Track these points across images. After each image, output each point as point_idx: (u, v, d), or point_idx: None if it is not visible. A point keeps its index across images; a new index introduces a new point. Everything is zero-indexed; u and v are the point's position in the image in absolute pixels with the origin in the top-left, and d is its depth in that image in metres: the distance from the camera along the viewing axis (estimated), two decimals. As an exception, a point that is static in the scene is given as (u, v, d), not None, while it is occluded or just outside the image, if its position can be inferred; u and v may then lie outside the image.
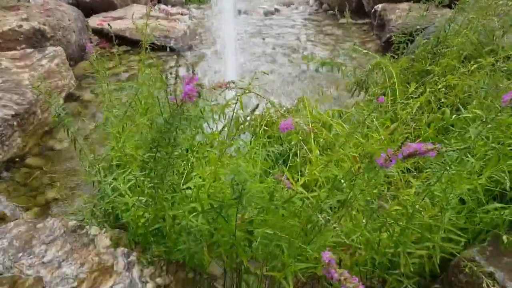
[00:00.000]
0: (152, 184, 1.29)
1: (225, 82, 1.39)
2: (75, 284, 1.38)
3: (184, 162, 1.61)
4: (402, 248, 1.36)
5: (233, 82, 1.63)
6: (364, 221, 1.29)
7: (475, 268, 1.33)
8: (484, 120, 1.47)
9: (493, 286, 1.29)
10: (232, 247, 1.34)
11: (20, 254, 1.48)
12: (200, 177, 1.47)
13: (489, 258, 1.36)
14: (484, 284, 1.31)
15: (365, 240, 1.39)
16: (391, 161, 0.99)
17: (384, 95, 2.29)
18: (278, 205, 1.23)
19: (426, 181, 1.54)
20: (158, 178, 1.27)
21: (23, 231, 1.57)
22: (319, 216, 1.09)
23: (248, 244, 1.38)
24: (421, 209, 1.43)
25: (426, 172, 1.60)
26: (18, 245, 1.52)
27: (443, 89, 2.25)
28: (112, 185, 1.53)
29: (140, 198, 1.45)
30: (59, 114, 1.65)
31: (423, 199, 1.41)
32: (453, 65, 2.31)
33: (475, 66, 2.12)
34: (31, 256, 1.47)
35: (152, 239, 1.50)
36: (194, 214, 1.34)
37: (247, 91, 2.02)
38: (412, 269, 1.38)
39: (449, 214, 1.39)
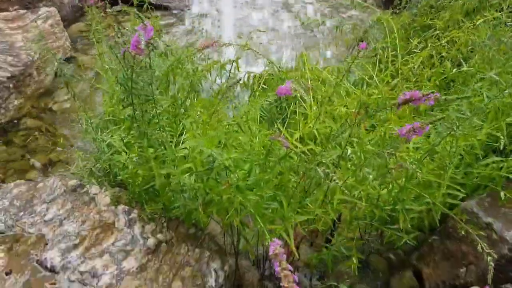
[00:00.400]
0: (138, 143, 1.29)
1: (213, 42, 1.35)
2: (77, 241, 1.39)
3: (175, 123, 1.60)
4: (400, 205, 1.37)
5: (223, 42, 1.60)
6: (371, 176, 1.28)
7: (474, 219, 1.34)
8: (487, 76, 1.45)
9: (491, 236, 1.31)
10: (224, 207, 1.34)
11: (22, 213, 1.49)
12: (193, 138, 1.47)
13: (487, 210, 1.37)
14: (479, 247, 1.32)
15: (365, 195, 1.40)
16: (415, 132, 0.98)
17: (384, 51, 2.26)
18: (275, 162, 1.23)
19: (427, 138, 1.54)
20: (141, 137, 1.26)
21: (23, 191, 1.58)
22: (318, 169, 1.08)
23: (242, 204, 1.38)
24: (421, 166, 1.43)
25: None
26: (19, 204, 1.53)
27: (446, 44, 2.22)
28: (107, 142, 1.52)
29: (131, 156, 1.45)
30: (62, 71, 1.63)
31: (425, 157, 1.40)
32: (457, 19, 2.25)
33: (481, 20, 2.07)
34: (32, 215, 1.49)
35: (146, 197, 1.50)
36: (188, 173, 1.34)
37: (245, 49, 1.99)
38: (411, 224, 1.39)
39: (451, 171, 1.39)
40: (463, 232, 1.24)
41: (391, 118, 1.73)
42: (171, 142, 1.37)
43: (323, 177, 1.13)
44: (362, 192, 1.37)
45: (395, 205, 1.38)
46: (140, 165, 1.38)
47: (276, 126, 1.83)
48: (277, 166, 1.27)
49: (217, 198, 1.29)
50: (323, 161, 1.21)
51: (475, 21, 2.13)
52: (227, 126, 1.45)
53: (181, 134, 1.53)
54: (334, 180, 1.07)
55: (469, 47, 2.03)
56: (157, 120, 1.25)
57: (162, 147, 1.32)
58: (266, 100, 1.53)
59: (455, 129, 1.28)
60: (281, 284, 0.75)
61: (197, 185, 1.30)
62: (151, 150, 1.31)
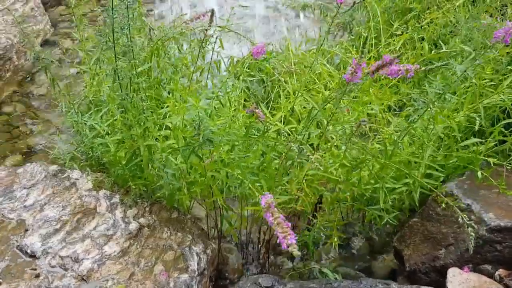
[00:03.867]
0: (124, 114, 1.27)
1: (200, 14, 1.33)
2: (58, 226, 1.38)
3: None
4: (381, 183, 1.38)
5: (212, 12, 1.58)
6: (343, 148, 1.29)
7: (452, 202, 1.36)
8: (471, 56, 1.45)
9: (470, 217, 1.33)
10: (207, 186, 1.34)
11: (1, 198, 1.47)
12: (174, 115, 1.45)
13: (467, 191, 1.39)
14: (460, 218, 1.34)
15: (345, 172, 1.40)
16: (356, 72, 0.98)
17: (367, 34, 2.25)
18: (254, 140, 1.22)
19: (406, 119, 1.55)
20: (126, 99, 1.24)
21: (3, 176, 1.56)
22: (292, 145, 1.08)
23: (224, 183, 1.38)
24: (401, 145, 1.44)
25: (407, 110, 1.60)
26: (-2, 190, 1.51)
27: (426, 25, 2.22)
28: (89, 125, 1.50)
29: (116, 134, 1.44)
30: (38, 57, 1.60)
31: (403, 136, 1.41)
32: (435, 1, 2.26)
33: (460, 1, 2.08)
34: (12, 201, 1.47)
35: (129, 176, 1.48)
36: (170, 150, 1.33)
37: (227, 31, 1.97)
38: (391, 204, 1.41)
39: (430, 151, 1.41)
40: (443, 205, 1.26)
41: (371, 100, 1.74)
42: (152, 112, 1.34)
43: (297, 153, 1.14)
44: (340, 170, 1.38)
45: (376, 183, 1.39)
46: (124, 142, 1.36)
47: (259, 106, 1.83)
48: (259, 144, 1.26)
49: (200, 178, 1.29)
50: (301, 140, 1.21)
51: (454, 2, 2.14)
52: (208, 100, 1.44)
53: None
54: (307, 156, 1.07)
55: (449, 29, 2.04)
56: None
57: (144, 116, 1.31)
58: (250, 80, 1.52)
59: (431, 106, 1.29)
60: (276, 233, 0.76)
61: (180, 164, 1.29)
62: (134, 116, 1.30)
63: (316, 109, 1.16)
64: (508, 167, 1.38)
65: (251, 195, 1.25)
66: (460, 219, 1.16)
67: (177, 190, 1.34)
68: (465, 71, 1.42)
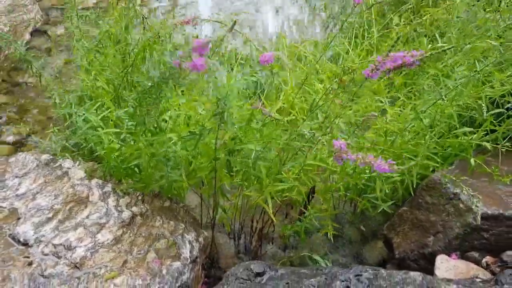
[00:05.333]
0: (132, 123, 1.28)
1: (191, 18, 1.34)
2: (50, 214, 1.39)
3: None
4: (377, 172, 1.40)
5: (199, 18, 1.58)
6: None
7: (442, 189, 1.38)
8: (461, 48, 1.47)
9: (458, 205, 1.35)
10: (211, 172, 1.35)
11: (-7, 187, 1.47)
12: (175, 109, 1.46)
13: (455, 181, 1.41)
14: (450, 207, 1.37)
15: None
16: (377, 70, 0.99)
17: (360, 27, 2.26)
18: (256, 128, 1.24)
19: (400, 110, 1.57)
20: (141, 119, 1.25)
21: (-6, 165, 1.56)
22: (305, 131, 1.10)
23: (227, 169, 1.40)
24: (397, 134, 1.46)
25: (400, 100, 1.62)
26: (-10, 179, 1.51)
27: (422, 19, 2.23)
28: (83, 118, 1.50)
29: (117, 131, 1.44)
30: (22, 52, 1.60)
31: (409, 125, 1.43)
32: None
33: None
34: (4, 189, 1.47)
35: (125, 172, 1.49)
36: (171, 142, 1.34)
37: (222, 26, 1.97)
38: (384, 195, 1.43)
39: (428, 139, 1.43)
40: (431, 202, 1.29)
41: (366, 93, 1.75)
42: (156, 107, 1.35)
43: (309, 137, 1.14)
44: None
45: (370, 172, 1.41)
46: (125, 142, 1.36)
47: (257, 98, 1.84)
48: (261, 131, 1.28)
49: (205, 163, 1.30)
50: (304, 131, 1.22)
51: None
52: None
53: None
54: (315, 145, 1.09)
55: (444, 24, 2.06)
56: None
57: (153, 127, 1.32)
58: (247, 74, 1.52)
59: (443, 97, 1.32)
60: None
61: (182, 152, 1.30)
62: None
63: (318, 100, 1.18)
64: (502, 149, 1.41)
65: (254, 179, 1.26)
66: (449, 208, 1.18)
67: (175, 181, 1.35)
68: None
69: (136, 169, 1.49)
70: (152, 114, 1.24)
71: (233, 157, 1.34)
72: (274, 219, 1.35)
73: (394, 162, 0.96)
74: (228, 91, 1.08)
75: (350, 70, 1.51)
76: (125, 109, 1.42)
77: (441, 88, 1.47)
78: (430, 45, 2.01)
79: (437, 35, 2.05)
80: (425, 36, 2.14)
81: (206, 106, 1.33)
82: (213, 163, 1.29)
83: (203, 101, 1.35)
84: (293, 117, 1.62)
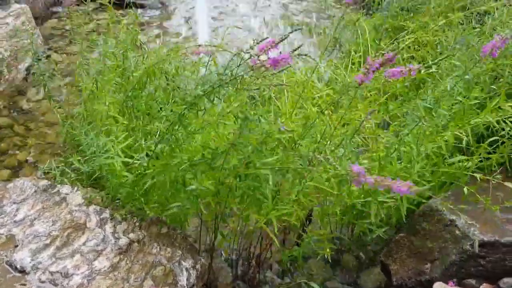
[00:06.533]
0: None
1: (198, 48, 1.37)
2: (48, 241, 1.39)
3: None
4: (372, 196, 1.41)
5: (205, 45, 1.61)
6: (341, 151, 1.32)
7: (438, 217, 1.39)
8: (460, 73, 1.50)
9: (455, 232, 1.36)
10: (216, 195, 1.35)
11: (-9, 213, 1.47)
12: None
13: (451, 208, 1.42)
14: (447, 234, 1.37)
15: (337, 182, 1.43)
16: (369, 73, 1.01)
17: (356, 52, 2.30)
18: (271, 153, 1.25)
19: (395, 134, 1.59)
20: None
21: (-7, 191, 1.56)
22: (317, 156, 1.11)
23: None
24: (391, 161, 1.47)
25: (394, 125, 1.64)
26: (-12, 205, 1.51)
27: (417, 46, 2.27)
28: (104, 147, 1.51)
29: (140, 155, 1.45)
30: (33, 72, 1.62)
31: (393, 152, 1.45)
32: (426, 22, 2.31)
33: (443, 21, 2.14)
34: (2, 215, 1.47)
35: (137, 200, 1.49)
36: (182, 167, 1.35)
37: (220, 49, 2.00)
38: (380, 220, 1.44)
39: (418, 166, 1.44)
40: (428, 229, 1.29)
41: (360, 109, 1.77)
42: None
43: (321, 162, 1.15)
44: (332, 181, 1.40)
45: (367, 197, 1.42)
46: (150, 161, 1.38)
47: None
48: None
49: (213, 187, 1.31)
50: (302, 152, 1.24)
51: (440, 22, 2.20)
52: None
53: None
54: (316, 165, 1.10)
55: (438, 50, 2.10)
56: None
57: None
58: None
59: (423, 122, 1.33)
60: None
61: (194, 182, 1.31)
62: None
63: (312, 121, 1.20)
64: (493, 181, 1.42)
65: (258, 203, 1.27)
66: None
67: (186, 209, 1.36)
68: (455, 85, 1.47)
69: (149, 193, 1.49)
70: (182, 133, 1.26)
71: (241, 182, 1.34)
72: (277, 242, 1.35)
73: (413, 184, 0.97)
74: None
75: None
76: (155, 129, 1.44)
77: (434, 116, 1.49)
78: (423, 71, 2.05)
79: (429, 61, 2.09)
80: (421, 61, 2.19)
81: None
82: (221, 187, 1.30)
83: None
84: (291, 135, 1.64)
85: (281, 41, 1.08)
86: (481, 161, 1.52)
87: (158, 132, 1.37)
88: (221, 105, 1.52)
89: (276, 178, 1.25)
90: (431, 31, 2.22)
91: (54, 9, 3.46)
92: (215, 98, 1.20)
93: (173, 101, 1.67)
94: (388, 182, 0.94)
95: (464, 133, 1.49)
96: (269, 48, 1.06)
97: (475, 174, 1.43)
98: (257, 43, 1.12)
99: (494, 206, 1.35)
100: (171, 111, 1.28)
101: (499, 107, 1.54)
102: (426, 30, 2.26)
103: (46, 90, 1.67)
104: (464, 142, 1.43)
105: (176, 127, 1.29)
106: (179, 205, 1.35)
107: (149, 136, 1.48)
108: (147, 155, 1.39)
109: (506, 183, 1.41)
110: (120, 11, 2.25)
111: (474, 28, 2.17)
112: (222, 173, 1.27)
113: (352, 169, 0.97)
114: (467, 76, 1.51)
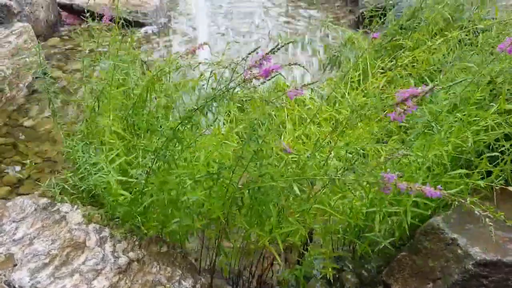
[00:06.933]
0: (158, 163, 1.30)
1: (197, 46, 1.39)
2: (47, 260, 1.38)
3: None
4: (377, 206, 1.40)
5: (206, 44, 1.63)
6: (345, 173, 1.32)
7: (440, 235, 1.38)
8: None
9: (457, 251, 1.35)
10: (222, 213, 1.35)
11: (-10, 232, 1.46)
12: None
13: (453, 226, 1.41)
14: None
15: (341, 205, 1.43)
16: (405, 113, 1.03)
17: (355, 70, 2.32)
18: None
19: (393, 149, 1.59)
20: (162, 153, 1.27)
21: (-8, 210, 1.55)
22: (325, 176, 1.12)
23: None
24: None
25: (393, 140, 1.65)
26: (-13, 223, 1.50)
27: (414, 63, 2.29)
28: (98, 165, 1.51)
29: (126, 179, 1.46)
30: (35, 89, 1.63)
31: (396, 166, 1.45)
32: (423, 40, 2.34)
33: (440, 40, 2.17)
34: (1, 234, 1.46)
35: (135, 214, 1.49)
36: (187, 184, 1.35)
37: (220, 67, 2.02)
38: (386, 230, 1.44)
39: (421, 180, 1.44)
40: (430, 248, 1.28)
41: (362, 135, 1.78)
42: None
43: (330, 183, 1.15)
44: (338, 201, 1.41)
45: (371, 207, 1.42)
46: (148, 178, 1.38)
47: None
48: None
49: (219, 204, 1.31)
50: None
51: (435, 40, 2.23)
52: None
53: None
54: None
55: (434, 66, 2.12)
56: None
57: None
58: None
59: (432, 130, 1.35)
60: None
61: (196, 194, 1.31)
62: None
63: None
64: (497, 187, 1.42)
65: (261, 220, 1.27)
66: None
67: (188, 227, 1.35)
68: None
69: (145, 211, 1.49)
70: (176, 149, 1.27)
71: (247, 196, 1.33)
72: (279, 261, 1.34)
73: (442, 188, 1.00)
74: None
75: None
76: (149, 146, 1.44)
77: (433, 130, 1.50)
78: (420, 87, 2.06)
79: (426, 78, 2.11)
80: (420, 78, 2.20)
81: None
82: (227, 204, 1.29)
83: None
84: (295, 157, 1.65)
85: (272, 52, 1.10)
86: (482, 177, 1.52)
87: (155, 149, 1.37)
88: (225, 126, 1.54)
89: (283, 195, 1.26)
90: (429, 49, 2.24)
91: (56, 28, 3.50)
92: (209, 113, 1.22)
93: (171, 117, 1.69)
94: (419, 187, 0.96)
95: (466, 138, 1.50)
96: (261, 61, 1.08)
97: (478, 182, 1.44)
98: (249, 55, 1.15)
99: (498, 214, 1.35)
100: (166, 126, 1.28)
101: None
102: (423, 49, 2.29)
103: (51, 106, 1.67)
104: (467, 149, 1.43)
105: (172, 143, 1.29)
106: (177, 221, 1.35)
107: (148, 153, 1.49)
108: (146, 172, 1.39)
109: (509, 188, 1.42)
110: (122, 30, 2.26)
111: (471, 44, 2.20)
112: (231, 188, 1.27)
113: (384, 176, 0.98)
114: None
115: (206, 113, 1.22)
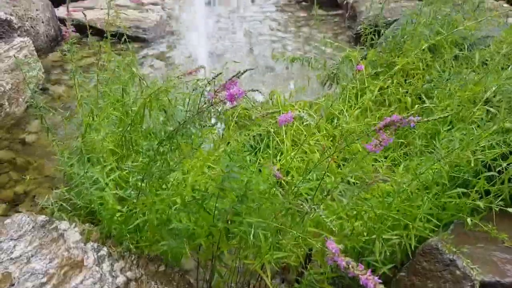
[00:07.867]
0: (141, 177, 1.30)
1: (194, 69, 1.40)
2: (44, 279, 1.37)
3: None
4: (377, 233, 1.40)
5: (203, 67, 1.65)
6: (344, 201, 1.32)
7: (438, 256, 1.38)
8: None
9: (455, 272, 1.35)
10: (208, 237, 1.35)
11: (-13, 250, 1.46)
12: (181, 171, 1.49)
13: (451, 246, 1.41)
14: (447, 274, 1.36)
15: (339, 225, 1.43)
16: (381, 145, 1.02)
17: (353, 87, 2.33)
18: (253, 206, 1.25)
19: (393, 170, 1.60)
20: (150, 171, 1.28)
21: (-10, 227, 1.55)
22: (304, 204, 1.11)
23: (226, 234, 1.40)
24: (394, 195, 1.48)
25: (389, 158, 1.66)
26: (-15, 241, 1.49)
27: (409, 79, 2.32)
28: (93, 179, 1.52)
29: (124, 190, 1.46)
30: (31, 104, 1.64)
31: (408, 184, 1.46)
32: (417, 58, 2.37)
33: (431, 57, 2.21)
34: (-1, 252, 1.46)
35: (127, 232, 1.49)
36: (175, 207, 1.35)
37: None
38: (384, 258, 1.43)
39: (425, 200, 1.45)
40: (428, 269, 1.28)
41: (361, 153, 1.79)
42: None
43: (307, 210, 1.15)
44: (335, 222, 1.40)
45: (370, 234, 1.42)
46: (134, 198, 1.38)
47: (257, 159, 1.87)
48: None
49: (205, 229, 1.31)
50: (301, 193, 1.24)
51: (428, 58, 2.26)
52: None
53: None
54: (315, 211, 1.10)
55: (429, 84, 2.14)
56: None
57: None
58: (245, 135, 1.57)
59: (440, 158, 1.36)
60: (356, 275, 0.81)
61: (184, 220, 1.31)
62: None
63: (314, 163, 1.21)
64: (496, 209, 1.43)
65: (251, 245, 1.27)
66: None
67: (176, 247, 1.35)
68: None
69: (138, 228, 1.49)
70: (163, 167, 1.27)
71: (232, 225, 1.34)
72: (270, 285, 1.33)
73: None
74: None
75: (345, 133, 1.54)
76: (137, 162, 1.45)
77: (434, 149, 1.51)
78: (417, 106, 2.08)
79: (423, 96, 2.13)
80: (417, 95, 2.22)
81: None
82: (212, 229, 1.30)
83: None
84: (291, 179, 1.65)
85: (237, 77, 1.13)
86: (481, 197, 1.52)
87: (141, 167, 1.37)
88: (211, 147, 1.54)
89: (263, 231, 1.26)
90: (422, 65, 2.28)
91: (57, 42, 3.52)
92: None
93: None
94: (359, 269, 0.85)
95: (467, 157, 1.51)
96: (227, 85, 1.10)
97: (477, 202, 1.45)
98: (213, 79, 1.18)
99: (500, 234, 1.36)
100: (150, 146, 1.29)
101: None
102: (417, 65, 2.32)
103: (42, 122, 1.68)
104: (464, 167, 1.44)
105: (156, 163, 1.29)
106: (166, 244, 1.35)
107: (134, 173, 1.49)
108: (137, 191, 1.40)
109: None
110: (121, 45, 2.28)
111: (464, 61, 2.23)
112: (215, 216, 1.27)
113: (327, 245, 0.91)
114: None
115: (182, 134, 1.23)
